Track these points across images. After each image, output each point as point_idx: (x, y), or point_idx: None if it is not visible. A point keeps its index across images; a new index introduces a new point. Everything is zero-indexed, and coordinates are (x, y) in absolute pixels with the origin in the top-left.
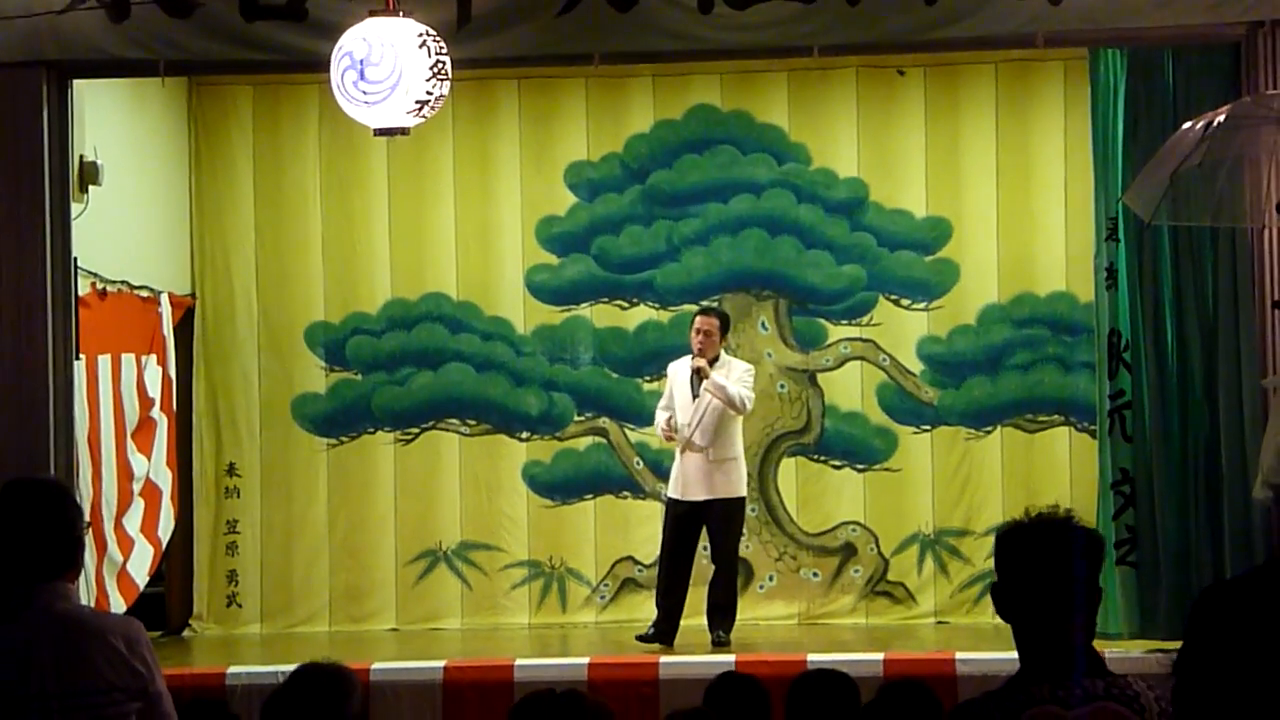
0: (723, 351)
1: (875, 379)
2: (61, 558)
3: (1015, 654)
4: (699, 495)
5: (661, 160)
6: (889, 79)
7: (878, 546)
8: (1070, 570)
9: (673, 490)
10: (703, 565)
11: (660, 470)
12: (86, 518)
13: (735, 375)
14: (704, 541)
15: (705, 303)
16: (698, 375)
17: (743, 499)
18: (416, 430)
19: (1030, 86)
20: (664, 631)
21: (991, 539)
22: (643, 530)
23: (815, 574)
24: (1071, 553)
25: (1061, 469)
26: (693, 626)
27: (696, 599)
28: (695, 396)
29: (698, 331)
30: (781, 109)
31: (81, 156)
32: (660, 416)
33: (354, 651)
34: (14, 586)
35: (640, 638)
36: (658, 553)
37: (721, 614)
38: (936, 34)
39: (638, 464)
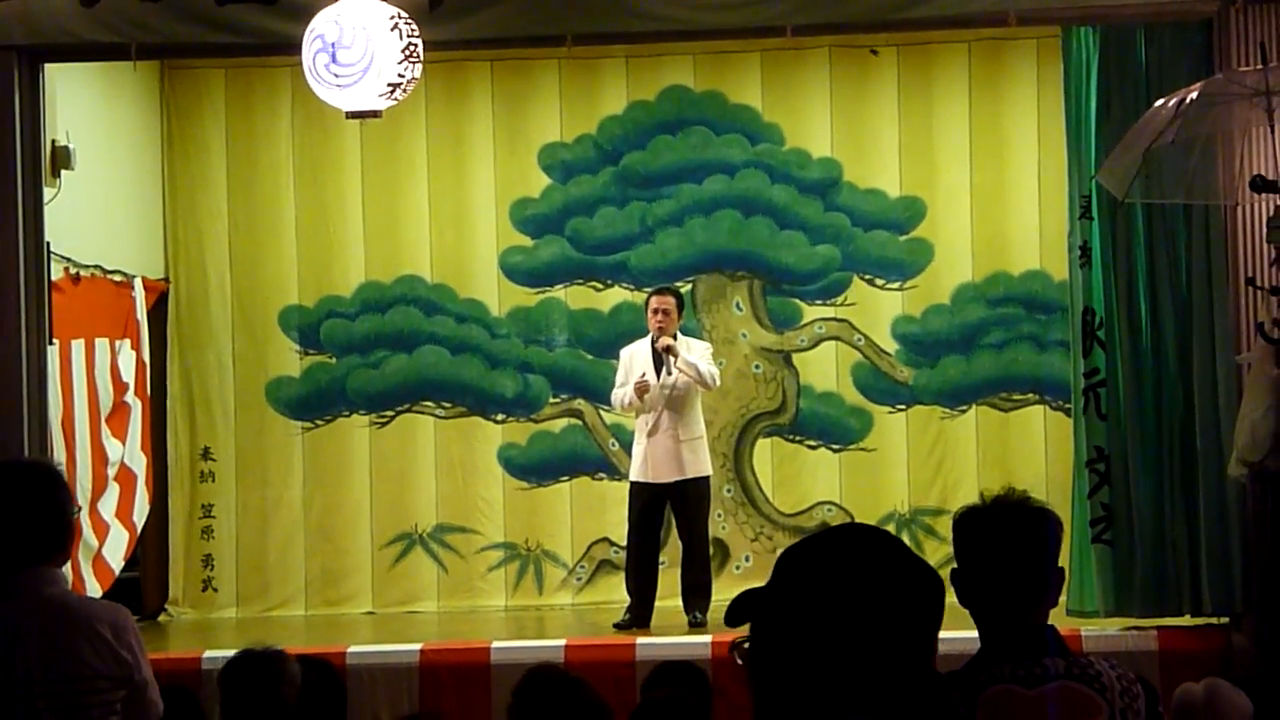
0: (678, 332)
1: (850, 359)
2: (50, 542)
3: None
4: (668, 477)
5: (635, 141)
6: (862, 59)
7: None
8: (1027, 551)
9: (637, 474)
10: (675, 546)
11: None
12: (82, 503)
13: (697, 354)
14: (672, 521)
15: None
16: (667, 354)
17: (708, 477)
18: (391, 413)
19: (1003, 65)
20: (640, 616)
21: None
22: (618, 512)
23: None
24: (1027, 534)
25: (1036, 447)
26: (669, 608)
27: (671, 580)
28: (660, 376)
29: (655, 311)
30: (755, 89)
31: (54, 141)
32: (621, 393)
33: (330, 635)
34: (2, 571)
35: (618, 625)
36: None
37: (698, 595)
38: (909, 13)
39: (613, 445)
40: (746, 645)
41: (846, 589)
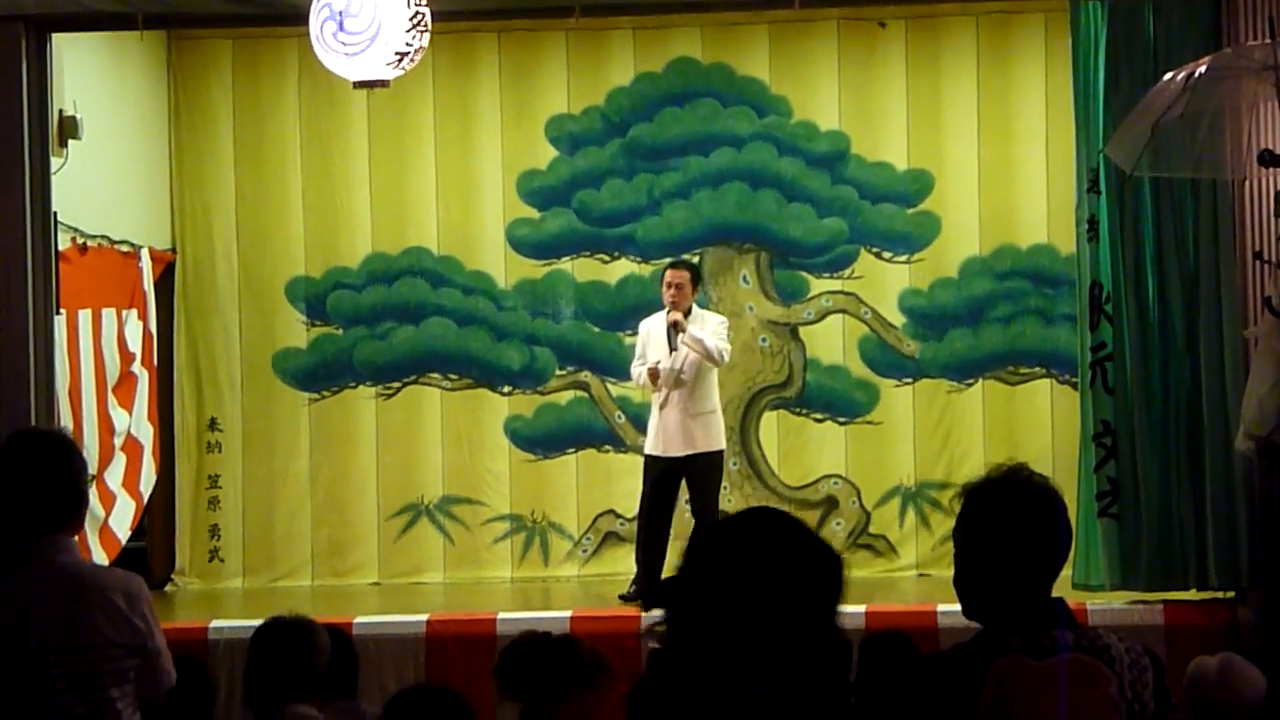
0: (695, 304)
1: (857, 332)
2: (64, 511)
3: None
4: (679, 450)
5: (642, 113)
6: (870, 31)
7: (859, 499)
8: (1036, 524)
9: (651, 447)
10: (684, 519)
11: (641, 424)
12: (91, 472)
13: (710, 327)
14: (685, 495)
15: (680, 256)
16: (674, 329)
17: (721, 452)
18: (398, 385)
19: (1011, 38)
20: (646, 587)
21: None
22: (624, 484)
23: None
24: (1036, 507)
25: (1043, 421)
26: None
27: (677, 553)
28: (672, 350)
29: (668, 285)
30: (762, 61)
31: (61, 111)
32: (637, 370)
33: (336, 605)
34: (15, 539)
35: (623, 597)
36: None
37: None
38: None
39: (619, 418)
40: (660, 627)
41: (753, 571)
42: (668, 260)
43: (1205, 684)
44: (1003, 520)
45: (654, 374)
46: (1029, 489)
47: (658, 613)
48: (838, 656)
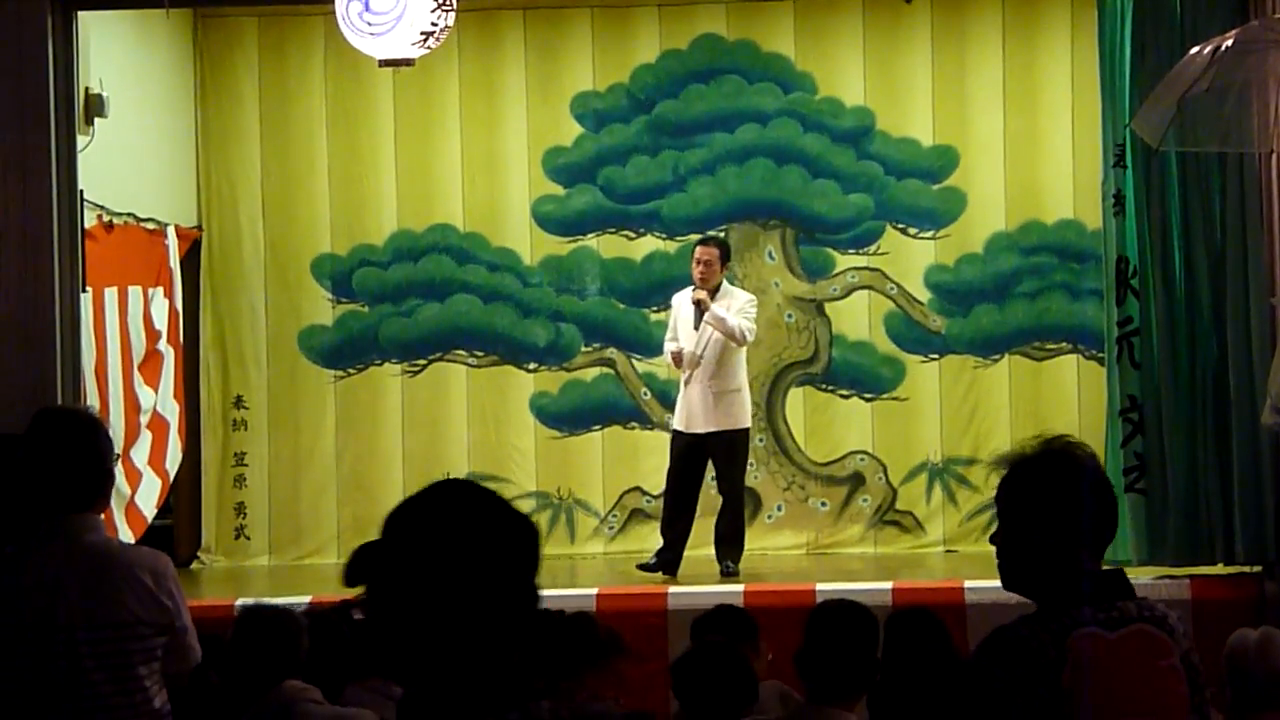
0: (725, 281)
1: (883, 308)
2: (91, 490)
3: (1000, 578)
4: (703, 428)
5: (667, 90)
6: (895, 7)
7: (886, 476)
8: (1094, 493)
9: (677, 423)
10: (711, 496)
11: (667, 400)
12: (116, 450)
13: (737, 306)
14: (712, 472)
15: (711, 233)
16: (698, 307)
17: (747, 430)
18: (424, 362)
19: (1037, 13)
20: (667, 561)
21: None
22: (650, 461)
23: (823, 504)
24: (1092, 476)
25: (1069, 397)
26: (701, 557)
27: (703, 530)
28: (697, 327)
29: (698, 262)
30: (787, 38)
31: (87, 89)
32: (669, 348)
33: None
34: (43, 517)
35: (641, 566)
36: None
37: (729, 545)
38: None
39: (645, 394)
40: (363, 601)
41: (446, 543)
42: (696, 236)
43: (1245, 655)
44: (1060, 490)
45: (677, 357)
46: (1079, 459)
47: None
48: (536, 625)
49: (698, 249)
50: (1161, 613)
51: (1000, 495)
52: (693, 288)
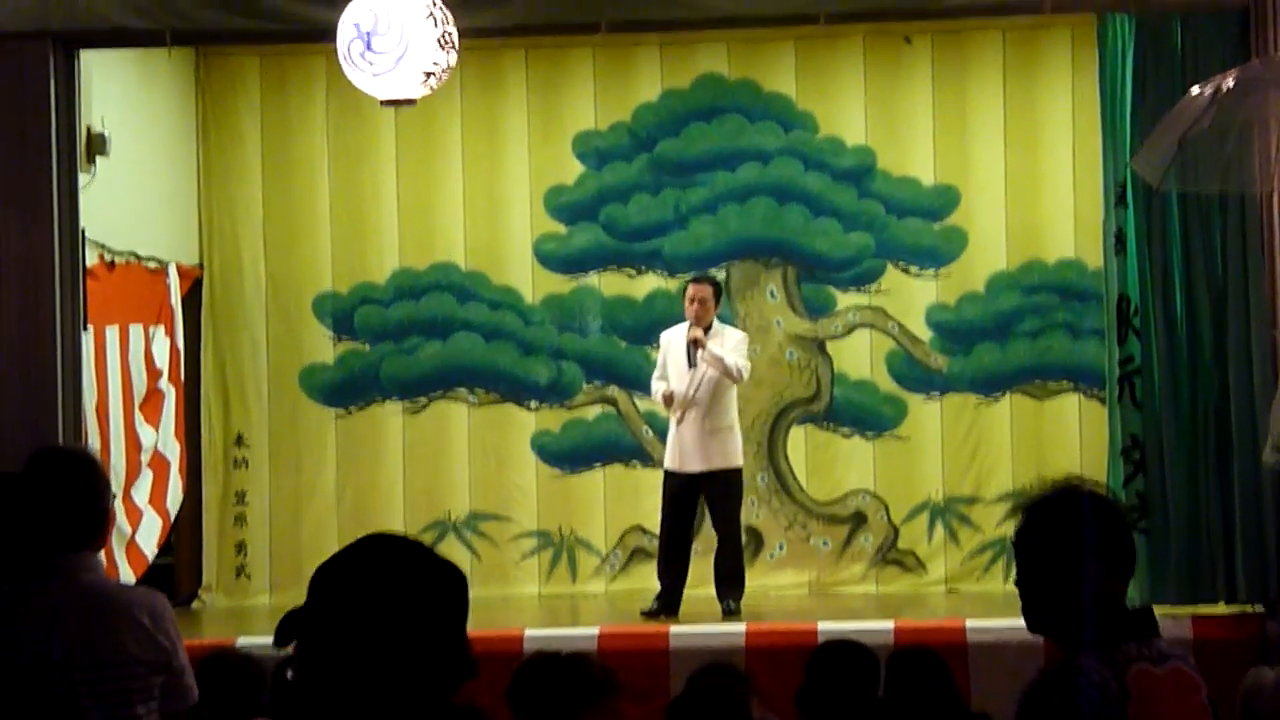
0: (716, 320)
1: (884, 346)
2: (88, 529)
3: (1024, 621)
4: (696, 466)
5: (669, 129)
6: (896, 46)
7: (887, 514)
8: (1122, 532)
9: (669, 462)
10: (709, 534)
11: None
12: (117, 489)
13: (730, 344)
14: (706, 510)
15: (704, 271)
16: (694, 345)
17: (740, 469)
18: (425, 400)
19: (1038, 53)
20: (668, 604)
21: (1001, 506)
22: (652, 499)
23: (825, 542)
24: (1119, 515)
25: (1071, 436)
26: (702, 596)
27: (702, 568)
28: (691, 366)
29: (692, 300)
30: (789, 77)
31: (89, 127)
32: (656, 386)
33: None
34: (40, 557)
35: (645, 613)
36: None
37: (730, 584)
38: (943, 1)
39: (647, 433)
40: (293, 662)
41: (374, 597)
42: (690, 275)
43: (1261, 695)
44: (1090, 531)
45: (668, 398)
46: (1097, 497)
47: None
48: (464, 673)
49: (691, 287)
50: (1181, 651)
51: (1021, 538)
52: (687, 325)
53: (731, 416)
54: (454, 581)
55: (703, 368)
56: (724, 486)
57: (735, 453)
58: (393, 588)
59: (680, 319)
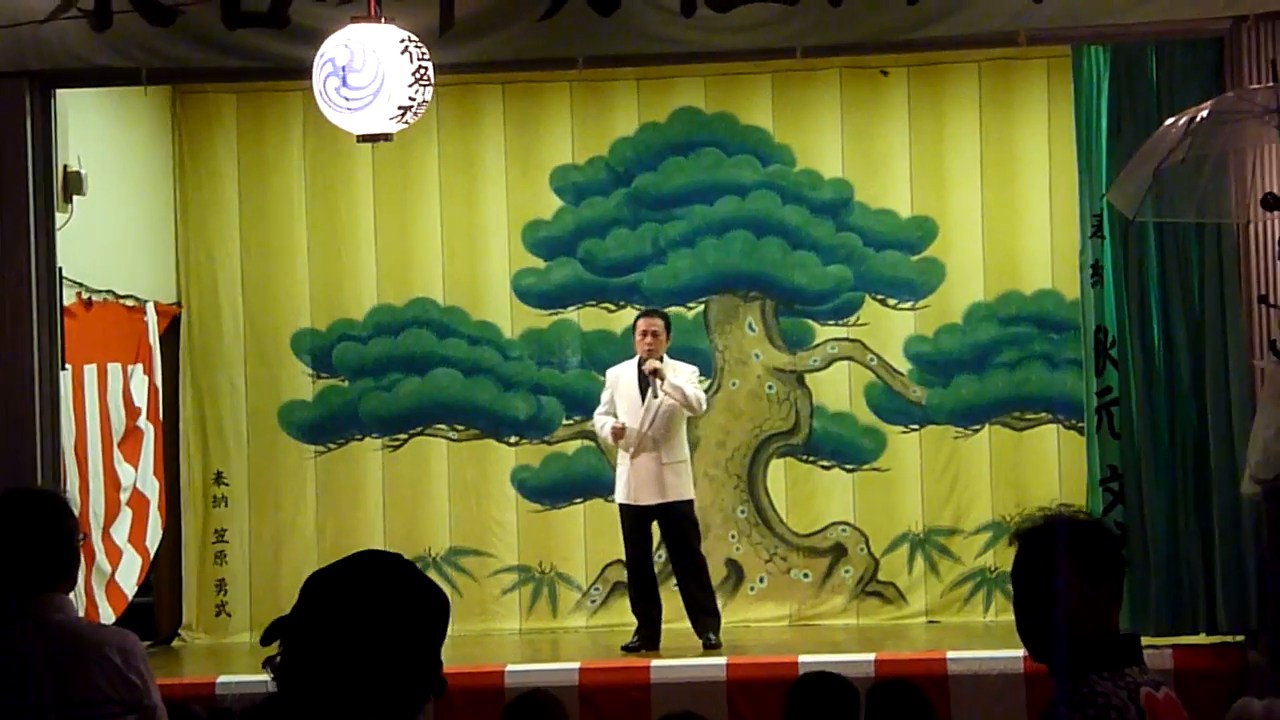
0: (665, 354)
1: (863, 379)
2: (57, 569)
3: (1006, 652)
4: (651, 499)
5: (646, 163)
6: (872, 79)
7: (868, 546)
8: (1116, 559)
9: (622, 496)
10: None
11: None
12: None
13: (684, 377)
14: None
15: (689, 304)
16: (654, 376)
17: (692, 500)
18: (404, 436)
19: (1013, 85)
20: (648, 637)
21: (982, 537)
22: None
23: (806, 575)
24: (1113, 541)
25: (1050, 466)
26: (682, 629)
27: (679, 600)
28: (645, 399)
29: (644, 334)
30: (765, 110)
31: (65, 166)
32: (602, 422)
33: None
34: (9, 597)
35: (626, 648)
36: None
37: (705, 616)
38: (919, 33)
39: None
40: (277, 659)
41: (359, 606)
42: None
43: None
44: (1090, 558)
45: (618, 432)
46: (1099, 525)
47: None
48: (432, 690)
49: (641, 321)
50: (1165, 679)
51: (1019, 567)
52: (638, 360)
53: (686, 449)
54: (436, 602)
55: (658, 400)
56: (679, 518)
57: (688, 485)
58: (378, 599)
59: (667, 352)
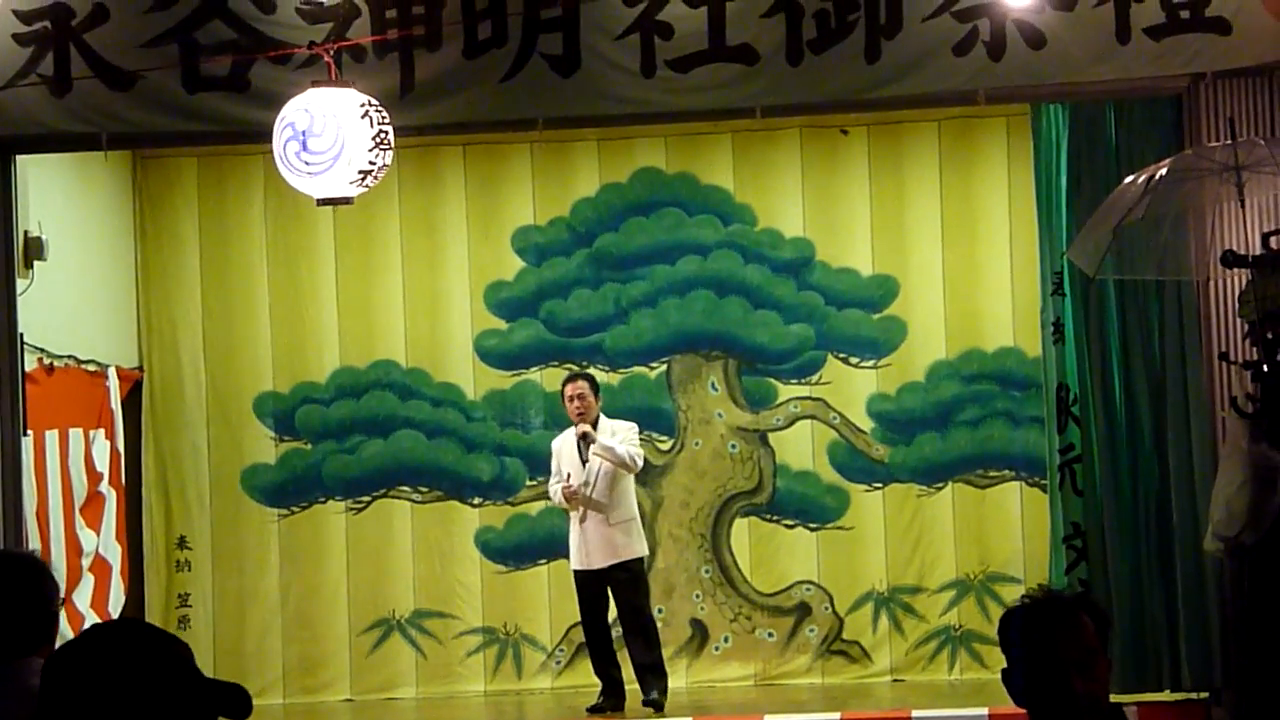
0: (601, 414)
1: (826, 437)
2: (37, 633)
3: (971, 710)
4: (601, 561)
5: (608, 223)
6: (833, 138)
7: (832, 605)
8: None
9: (576, 562)
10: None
11: None
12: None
13: (621, 435)
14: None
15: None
16: (584, 440)
17: (643, 558)
18: (368, 499)
19: (973, 143)
20: (612, 698)
21: (946, 595)
22: None
23: (770, 634)
24: (1103, 617)
25: (1013, 524)
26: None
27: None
28: (585, 462)
29: (570, 398)
30: (726, 170)
31: (26, 232)
32: (554, 489)
33: None
34: None
35: (591, 709)
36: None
37: (653, 675)
38: (879, 93)
39: None
40: None
41: (103, 687)
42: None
43: None
44: (1084, 637)
45: (569, 494)
46: (1091, 603)
47: None
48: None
49: (567, 386)
50: None
51: (1023, 647)
52: (573, 426)
53: (633, 508)
54: (173, 655)
55: (596, 463)
56: (631, 578)
57: (640, 543)
58: (128, 675)
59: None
